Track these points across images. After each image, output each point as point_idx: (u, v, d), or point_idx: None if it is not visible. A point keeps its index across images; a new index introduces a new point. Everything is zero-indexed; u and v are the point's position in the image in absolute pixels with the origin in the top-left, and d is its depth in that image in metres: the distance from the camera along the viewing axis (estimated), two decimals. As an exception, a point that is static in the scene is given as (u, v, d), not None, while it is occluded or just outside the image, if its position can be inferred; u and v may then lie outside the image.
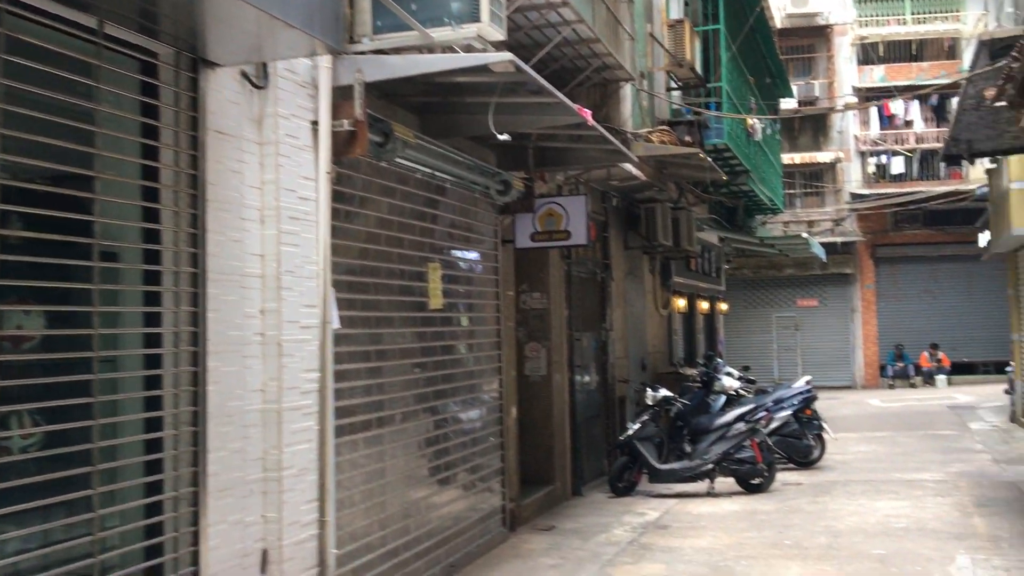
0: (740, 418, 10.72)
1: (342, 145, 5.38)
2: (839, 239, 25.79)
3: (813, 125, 26.61)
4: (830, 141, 26.45)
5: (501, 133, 5.93)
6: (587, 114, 6.47)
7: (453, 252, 7.61)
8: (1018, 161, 13.68)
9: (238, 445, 4.74)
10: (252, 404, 4.85)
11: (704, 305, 18.67)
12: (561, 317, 10.45)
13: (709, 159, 11.75)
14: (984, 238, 19.23)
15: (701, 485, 10.63)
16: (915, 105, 25.63)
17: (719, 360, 13.61)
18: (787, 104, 25.74)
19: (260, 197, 4.98)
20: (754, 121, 15.23)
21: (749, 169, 14.99)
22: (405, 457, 6.62)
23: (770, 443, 11.03)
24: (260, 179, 4.99)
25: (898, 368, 25.42)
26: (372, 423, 6.17)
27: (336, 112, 5.33)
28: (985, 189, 19.19)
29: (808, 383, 13.27)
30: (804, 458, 12.27)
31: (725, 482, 10.65)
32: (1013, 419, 16.36)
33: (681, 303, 16.44)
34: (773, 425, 11.97)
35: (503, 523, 8.26)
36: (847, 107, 24.94)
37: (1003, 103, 5.86)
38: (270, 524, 4.91)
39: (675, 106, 13.25)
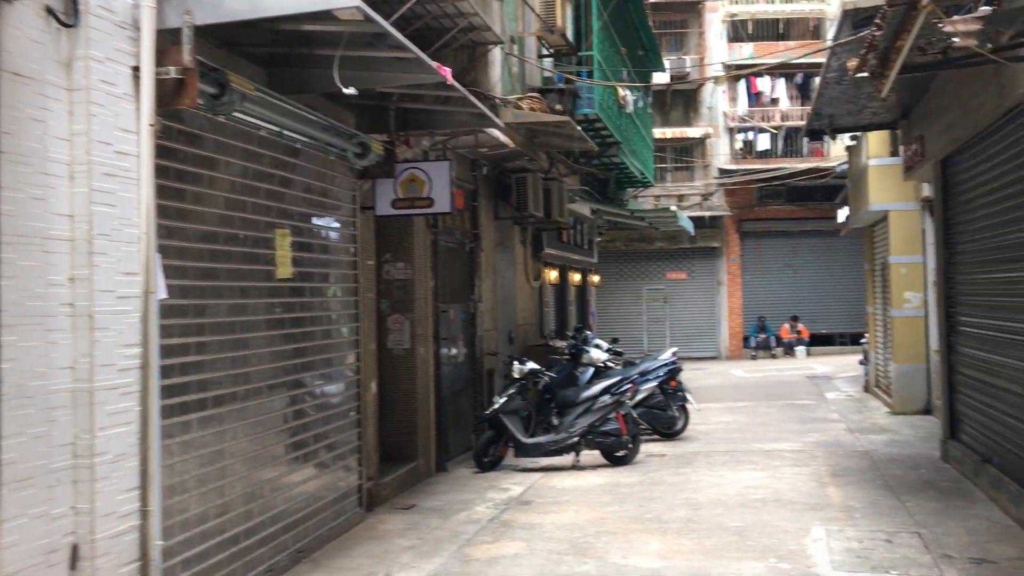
0: (606, 391, 10.65)
1: (169, 95, 4.84)
2: (707, 213, 26.33)
3: (684, 101, 27.00)
4: (700, 117, 26.90)
5: (347, 87, 5.48)
6: (447, 72, 6.09)
7: (305, 218, 7.13)
8: (876, 138, 14.08)
9: (41, 429, 4.21)
10: (59, 383, 4.31)
11: (576, 277, 18.66)
12: (427, 288, 10.09)
13: (579, 129, 11.56)
14: (843, 214, 19.89)
15: (567, 458, 10.53)
16: (781, 83, 26.31)
17: (588, 332, 13.57)
18: (660, 79, 26.01)
19: (69, 150, 4.41)
20: (625, 93, 15.17)
21: (620, 141, 14.94)
22: (249, 437, 6.14)
23: (635, 415, 11.02)
24: (69, 130, 4.41)
25: (760, 340, 26.25)
26: (209, 402, 5.67)
27: (162, 58, 4.78)
28: (845, 166, 19.83)
29: (674, 355, 13.37)
30: (669, 429, 12.37)
31: (591, 455, 10.59)
32: (867, 389, 17.04)
33: (553, 275, 16.33)
34: (639, 397, 12.00)
35: (359, 503, 7.88)
36: (718, 80, 25.41)
37: (865, 74, 5.81)
38: (81, 516, 4.40)
39: (547, 74, 13.00)
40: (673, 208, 15.73)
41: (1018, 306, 7.42)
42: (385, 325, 9.70)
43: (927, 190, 13.30)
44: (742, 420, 14.08)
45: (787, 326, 26.18)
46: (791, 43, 26.71)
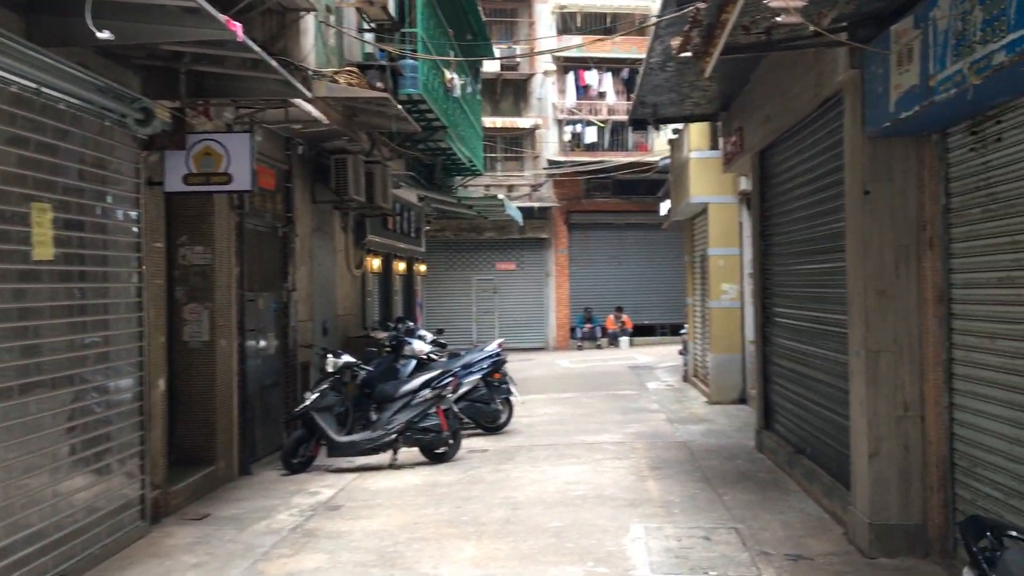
0: (426, 384, 10.13)
1: None
2: (536, 204, 26.31)
3: (515, 91, 26.85)
4: (530, 108, 26.83)
5: (102, 31, 4.69)
6: (236, 27, 5.36)
7: (75, 191, 6.20)
8: (698, 131, 14.25)
9: None
10: None
11: (402, 266, 18.06)
12: (229, 275, 9.23)
13: (401, 108, 10.97)
14: (665, 207, 20.25)
15: (384, 457, 9.98)
16: (608, 77, 26.62)
17: (411, 323, 13.02)
18: (490, 67, 25.73)
19: None
20: (452, 76, 14.68)
21: (447, 125, 14.44)
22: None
23: (456, 410, 10.58)
24: None
25: (586, 330, 26.53)
26: (-64, 406, 4.74)
27: None
28: (667, 160, 20.19)
29: (500, 346, 13.06)
30: (492, 423, 12.02)
31: (410, 452, 10.07)
32: (686, 379, 17.35)
33: (376, 263, 15.66)
34: (462, 390, 11.58)
35: (142, 515, 7.01)
36: (547, 72, 25.37)
37: (688, 54, 5.55)
38: None
39: (368, 49, 12.32)
40: (501, 197, 15.40)
41: (829, 296, 7.46)
42: (180, 315, 8.79)
43: (745, 183, 13.56)
44: (566, 412, 13.93)
45: (612, 317, 26.58)
46: (617, 38, 27.06)
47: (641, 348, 25.77)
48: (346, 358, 10.34)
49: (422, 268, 20.60)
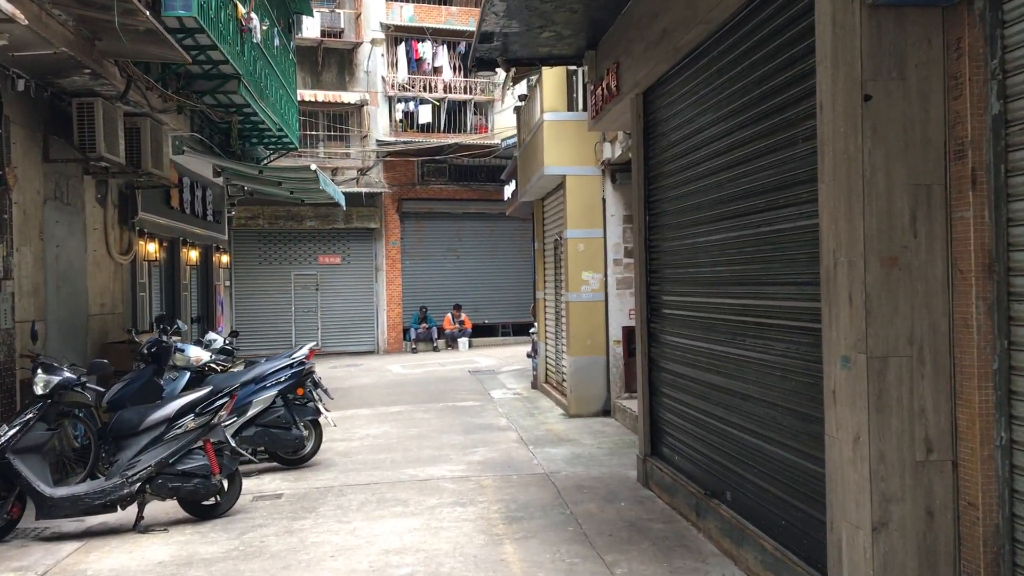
0: (189, 409, 7.13)
1: None
2: (364, 190, 23.34)
3: (339, 61, 23.77)
4: (357, 81, 23.82)
5: None
6: None
7: None
8: (552, 88, 11.84)
9: None
10: None
11: (194, 255, 14.75)
12: None
13: (156, 23, 7.90)
14: (509, 190, 17.85)
15: (130, 512, 6.96)
16: (444, 51, 24.01)
17: (179, 323, 9.87)
18: (310, 32, 22.63)
19: None
20: (251, 15, 11.63)
21: (241, 73, 11.37)
22: None
23: (234, 444, 7.66)
24: None
25: (422, 331, 23.79)
26: None
27: None
28: (512, 140, 17.78)
29: (312, 352, 10.24)
30: (294, 453, 9.14)
31: (170, 504, 7.09)
32: (535, 386, 14.97)
33: (152, 248, 12.36)
34: (252, 412, 8.67)
35: None
36: (375, 41, 22.50)
37: None
38: None
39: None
40: (314, 167, 12.45)
41: (770, 275, 5.11)
42: None
43: (608, 151, 11.23)
44: (394, 432, 11.18)
45: (450, 316, 23.97)
46: (453, 8, 24.55)
47: (482, 350, 23.30)
48: (64, 374, 7.18)
49: (224, 259, 17.30)
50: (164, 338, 8.98)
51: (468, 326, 24.07)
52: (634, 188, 7.93)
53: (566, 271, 12.02)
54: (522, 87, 16.39)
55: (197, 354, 9.38)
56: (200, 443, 7.09)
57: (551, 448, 9.61)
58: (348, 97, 23.38)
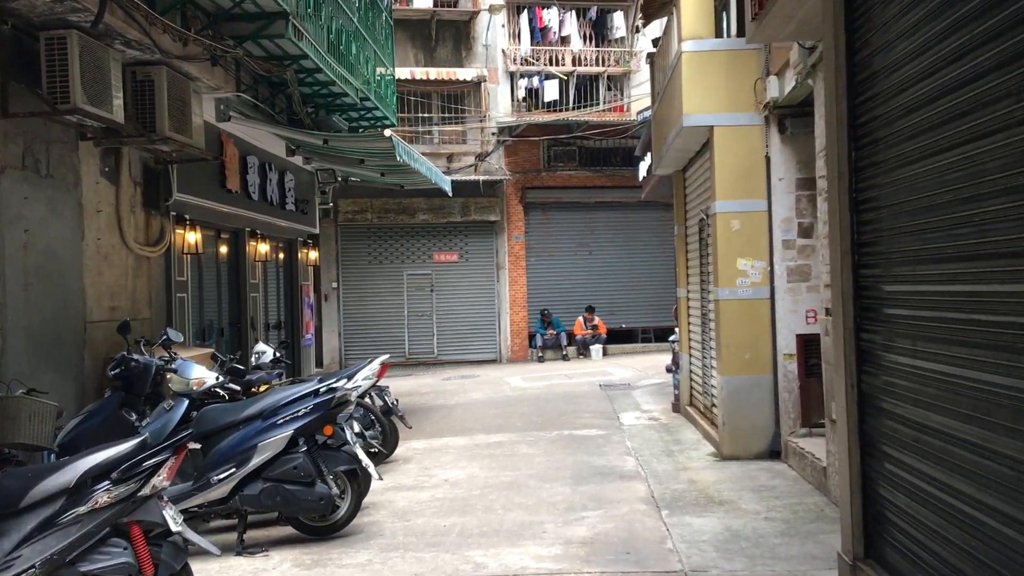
0: (109, 470, 4.47)
1: None
2: (483, 178, 20.67)
3: (454, 34, 21.23)
4: (474, 56, 21.22)
5: None
6: None
7: None
8: (693, 8, 8.68)
9: None
10: None
11: (263, 248, 12.40)
12: None
13: None
14: (644, 166, 14.75)
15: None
16: (572, 18, 21.06)
17: (170, 332, 7.30)
18: (422, 3, 20.21)
19: None
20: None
21: (286, 11, 8.80)
22: None
23: (186, 538, 4.92)
24: None
25: (549, 337, 20.89)
26: None
27: None
28: (647, 112, 14.64)
29: (384, 365, 7.73)
30: (321, 519, 6.42)
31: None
32: (677, 408, 11.79)
33: (193, 239, 9.98)
34: (255, 463, 6.02)
35: None
36: (493, 8, 19.83)
37: None
38: None
39: None
40: (388, 133, 9.81)
41: None
42: None
43: (774, 88, 8.00)
44: (482, 476, 8.34)
45: (581, 320, 20.97)
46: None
47: (617, 359, 20.18)
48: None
49: (312, 255, 14.96)
50: (136, 356, 6.41)
51: (602, 331, 21.00)
52: (832, 122, 4.74)
53: (714, 259, 8.84)
54: (656, 30, 13.23)
55: (199, 375, 6.79)
56: (122, 526, 4.44)
57: (695, 516, 6.49)
58: (464, 74, 20.80)
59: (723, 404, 8.66)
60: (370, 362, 9.45)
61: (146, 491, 4.47)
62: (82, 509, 4.32)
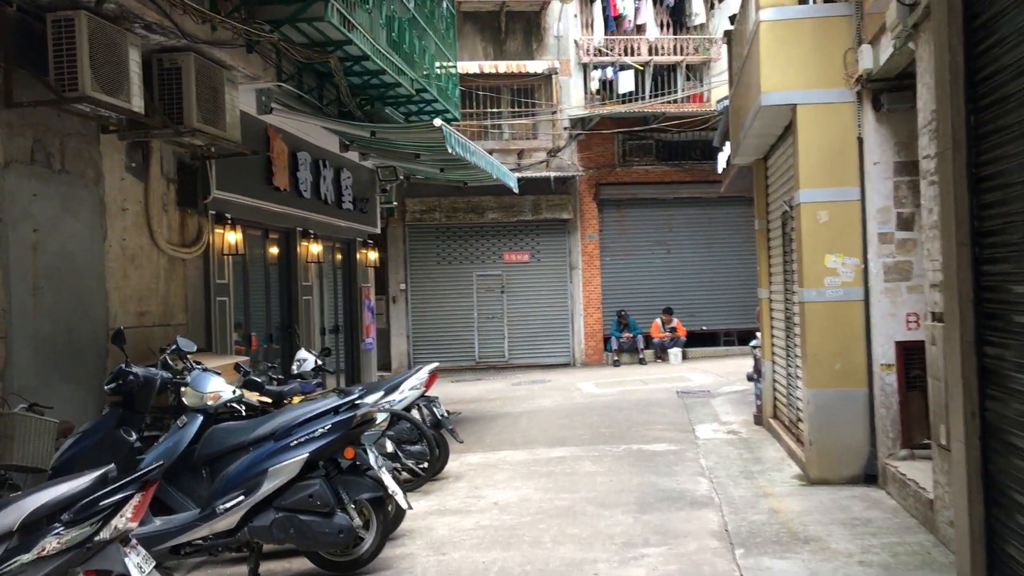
0: (62, 509, 3.79)
1: None
2: (554, 174, 19.80)
3: (524, 26, 20.41)
4: (545, 48, 20.37)
5: None
6: None
7: None
8: (773, -29, 7.69)
9: None
10: None
11: (317, 250, 11.81)
12: None
13: None
14: (723, 158, 13.67)
15: None
16: (647, 5, 20.01)
17: (179, 341, 6.63)
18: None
19: None
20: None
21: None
22: None
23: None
24: None
25: (625, 340, 19.87)
26: None
27: None
28: (727, 101, 13.56)
29: (433, 374, 7.09)
30: (343, 552, 5.68)
31: None
32: (759, 420, 10.74)
33: (233, 239, 9.39)
34: (265, 490, 5.33)
35: None
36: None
37: None
38: None
39: None
40: (438, 123, 9.07)
41: None
42: None
43: (868, 58, 6.95)
44: (535, 499, 7.49)
45: (659, 322, 19.90)
46: (661, -47, 20.49)
47: (698, 363, 19.07)
48: None
49: (371, 256, 14.35)
50: (136, 368, 5.76)
51: (681, 334, 19.90)
52: (940, 63, 3.76)
53: (799, 256, 7.81)
54: (733, 5, 12.16)
55: (216, 387, 6.11)
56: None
57: (775, 558, 5.52)
58: (534, 66, 19.97)
59: (810, 420, 7.62)
60: (418, 371, 8.74)
61: (105, 535, 3.77)
62: (26, 557, 3.64)
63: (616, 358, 19.82)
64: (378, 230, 14.82)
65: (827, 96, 7.43)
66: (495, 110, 20.16)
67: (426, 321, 20.07)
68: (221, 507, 5.33)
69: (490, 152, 19.04)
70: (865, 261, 7.43)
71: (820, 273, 7.56)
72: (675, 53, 20.23)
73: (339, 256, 13.56)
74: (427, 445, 8.23)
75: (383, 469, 5.73)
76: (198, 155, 8.79)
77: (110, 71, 6.53)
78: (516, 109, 20.34)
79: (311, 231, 11.71)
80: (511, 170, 19.03)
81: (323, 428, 5.49)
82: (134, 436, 5.55)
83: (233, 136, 8.24)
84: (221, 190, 9.14)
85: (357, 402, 5.70)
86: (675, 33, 20.36)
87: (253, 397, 7.08)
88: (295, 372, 8.79)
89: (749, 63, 8.38)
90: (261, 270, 10.80)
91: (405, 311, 20.05)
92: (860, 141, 7.40)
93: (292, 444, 5.43)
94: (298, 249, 11.44)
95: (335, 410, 5.60)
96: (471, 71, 19.20)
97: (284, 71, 9.42)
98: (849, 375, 7.47)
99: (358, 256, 13.94)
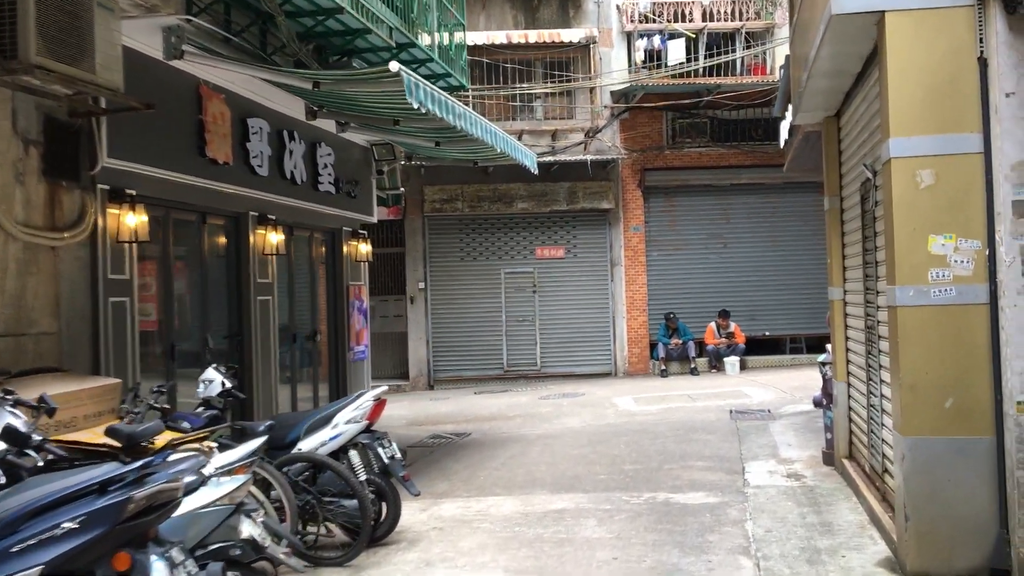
0: None
1: None
2: (592, 157, 17.33)
3: (559, -11, 18.03)
4: (584, 15, 17.93)
5: None
6: None
7: None
8: None
9: None
10: None
11: (276, 240, 9.62)
12: None
13: None
14: (785, 127, 11.12)
15: None
16: (701, -38, 17.45)
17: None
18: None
19: None
20: None
21: None
22: None
23: None
24: None
25: (674, 347, 17.33)
26: None
27: None
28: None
29: (378, 403, 5.12)
30: None
31: None
32: (830, 460, 8.18)
33: (133, 221, 7.21)
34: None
35: None
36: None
37: None
38: None
39: None
40: (396, 67, 6.81)
41: None
42: None
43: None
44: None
45: (713, 327, 17.30)
46: (717, -96, 17.87)
47: (759, 374, 16.42)
48: None
49: (363, 249, 12.13)
50: None
51: (739, 340, 17.27)
52: None
53: (888, 239, 5.30)
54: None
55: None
56: None
57: None
58: (569, 35, 17.56)
59: (907, 483, 5.11)
60: (358, 397, 6.48)
61: None
62: None
63: (663, 367, 17.29)
64: (373, 219, 12.63)
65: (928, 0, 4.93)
66: (527, 84, 17.78)
67: (448, 324, 17.80)
68: None
69: (520, 134, 16.80)
70: (992, 245, 4.90)
71: (921, 263, 5.05)
72: (733, 18, 17.60)
73: (321, 249, 11.40)
74: (360, 503, 5.94)
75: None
76: (79, 111, 6.68)
77: None
78: (548, 83, 17.94)
79: (270, 216, 9.55)
80: (542, 154, 16.75)
81: (72, 523, 3.23)
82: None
83: (108, 82, 6.06)
84: (117, 158, 7.02)
85: (148, 474, 3.44)
86: (732, -4, 17.73)
87: (88, 437, 4.91)
88: (200, 396, 6.63)
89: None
90: (195, 263, 8.66)
91: (425, 313, 17.82)
92: (983, 63, 4.87)
93: (14, 550, 3.19)
94: (251, 238, 9.28)
95: (103, 487, 3.35)
96: (498, 41, 16.95)
97: (196, 2, 7.24)
98: (967, 417, 4.95)
99: (345, 249, 11.74)
